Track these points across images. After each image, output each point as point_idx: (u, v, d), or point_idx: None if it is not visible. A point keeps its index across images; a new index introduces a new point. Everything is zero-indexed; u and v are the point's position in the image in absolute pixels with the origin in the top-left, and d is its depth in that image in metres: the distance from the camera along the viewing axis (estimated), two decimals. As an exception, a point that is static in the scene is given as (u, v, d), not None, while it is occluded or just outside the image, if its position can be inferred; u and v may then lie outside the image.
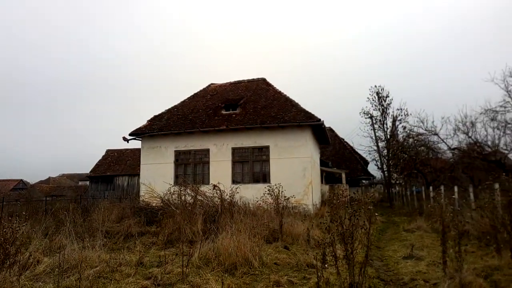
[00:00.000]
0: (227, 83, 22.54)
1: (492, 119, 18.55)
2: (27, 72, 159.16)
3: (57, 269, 5.68)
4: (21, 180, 58.45)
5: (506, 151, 18.96)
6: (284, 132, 16.61)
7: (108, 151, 36.27)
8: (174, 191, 11.96)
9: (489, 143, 19.13)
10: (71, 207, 12.05)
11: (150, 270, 6.10)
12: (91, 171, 34.70)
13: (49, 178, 66.94)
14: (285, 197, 10.10)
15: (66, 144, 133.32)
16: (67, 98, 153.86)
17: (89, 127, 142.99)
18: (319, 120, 16.22)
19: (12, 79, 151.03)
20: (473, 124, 19.51)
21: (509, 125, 17.97)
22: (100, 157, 35.91)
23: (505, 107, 17.85)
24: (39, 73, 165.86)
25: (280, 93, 19.54)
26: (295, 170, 16.02)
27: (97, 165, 34.79)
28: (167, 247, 8.24)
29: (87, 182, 39.64)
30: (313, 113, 16.65)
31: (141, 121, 19.72)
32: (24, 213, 5.90)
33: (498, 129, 18.51)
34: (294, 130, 16.51)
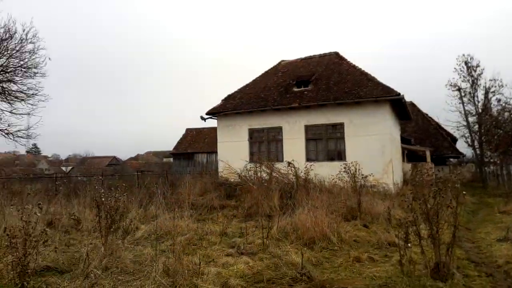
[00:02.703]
0: (297, 59, 22.15)
1: None
2: (109, 56, 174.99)
3: (153, 235, 6.36)
4: (114, 156, 65.44)
5: None
6: (360, 108, 15.97)
7: (187, 130, 38.54)
8: (250, 168, 12.39)
9: None
10: (160, 181, 13.19)
11: (233, 240, 6.51)
12: (173, 149, 37.38)
13: (138, 155, 73.81)
14: (362, 175, 9.84)
15: (151, 123, 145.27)
16: (149, 84, 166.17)
17: (171, 107, 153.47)
18: (399, 94, 15.24)
19: (96, 62, 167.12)
20: None
21: None
22: (181, 136, 38.42)
23: None
24: (127, 57, 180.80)
25: (354, 67, 18.68)
26: (372, 147, 15.40)
27: (179, 143, 37.31)
28: (247, 220, 8.65)
29: (171, 159, 42.79)
30: (391, 87, 15.71)
31: (218, 101, 20.51)
32: (123, 184, 6.63)
33: None
34: (371, 105, 15.77)
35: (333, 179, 11.66)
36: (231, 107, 19.34)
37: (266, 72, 21.87)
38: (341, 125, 16.41)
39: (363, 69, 18.19)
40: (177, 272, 4.35)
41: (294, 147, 17.32)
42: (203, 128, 35.98)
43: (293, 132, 17.60)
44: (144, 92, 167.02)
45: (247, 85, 21.13)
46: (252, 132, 18.88)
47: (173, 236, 6.10)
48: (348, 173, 10.46)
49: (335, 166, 13.53)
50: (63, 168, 61.65)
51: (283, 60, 22.68)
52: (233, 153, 18.35)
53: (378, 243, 6.25)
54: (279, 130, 18.13)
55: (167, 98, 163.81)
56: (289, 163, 11.35)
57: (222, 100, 20.59)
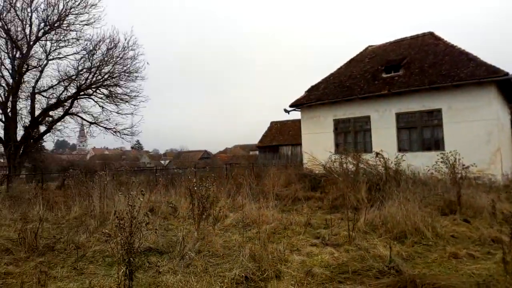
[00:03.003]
0: (386, 43, 20.79)
1: None
2: (199, 58, 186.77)
3: (240, 223, 6.68)
4: (206, 150, 69.96)
5: None
6: (460, 92, 14.39)
7: (272, 123, 39.23)
8: (335, 159, 12.11)
9: None
10: (246, 173, 13.76)
11: (318, 231, 6.48)
12: (259, 142, 38.44)
13: (226, 148, 77.73)
14: (463, 165, 8.89)
15: (237, 118, 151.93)
16: (232, 79, 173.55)
17: (255, 101, 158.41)
18: (507, 74, 13.34)
19: (185, 64, 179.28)
20: None
21: None
22: (265, 129, 39.29)
23: None
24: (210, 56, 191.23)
25: (452, 46, 16.83)
26: (476, 135, 13.78)
27: (264, 136, 38.23)
28: (332, 212, 8.52)
29: (257, 152, 44.11)
30: (498, 66, 13.81)
31: (301, 93, 20.42)
32: (213, 174, 7.09)
33: None
34: (473, 88, 14.09)
35: (428, 170, 10.78)
36: (314, 98, 19.09)
37: (352, 59, 21.03)
38: (438, 111, 15.02)
39: (462, 48, 16.33)
40: (263, 258, 4.51)
41: (383, 137, 16.42)
42: (287, 121, 36.20)
43: (383, 121, 16.67)
44: (230, 86, 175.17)
45: (331, 75, 20.61)
46: (337, 123, 18.39)
47: (258, 224, 6.31)
48: (446, 163, 9.53)
49: (432, 156, 12.42)
50: (162, 162, 68.08)
51: (370, 45, 21.54)
52: (317, 144, 18.14)
53: (480, 239, 5.60)
54: (366, 119, 17.35)
55: (252, 91, 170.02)
56: (377, 153, 10.80)
57: (306, 92, 20.43)
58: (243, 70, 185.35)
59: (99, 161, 56.55)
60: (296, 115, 21.43)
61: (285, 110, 20.32)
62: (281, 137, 36.51)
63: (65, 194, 10.79)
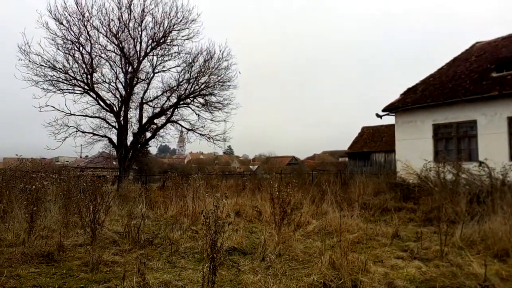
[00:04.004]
0: (497, 38, 18.44)
1: None
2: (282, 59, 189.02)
3: (322, 230, 6.61)
4: (293, 156, 70.33)
5: None
6: None
7: (363, 128, 37.60)
8: (430, 168, 11.17)
9: None
10: (332, 180, 13.48)
11: (406, 244, 6.09)
12: (348, 148, 37.15)
13: (314, 155, 77.10)
14: None
15: (326, 124, 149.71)
16: (319, 84, 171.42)
17: (344, 106, 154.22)
18: None
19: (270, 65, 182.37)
20: None
21: None
22: (356, 135, 37.81)
23: None
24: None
25: None
26: None
27: (354, 142, 36.81)
28: (425, 224, 7.89)
29: (346, 158, 42.73)
30: None
31: (395, 96, 19.22)
32: (294, 181, 7.16)
33: None
34: None
35: (548, 183, 9.25)
36: (411, 101, 17.79)
37: (455, 58, 19.12)
38: None
39: None
40: (342, 266, 4.42)
41: (492, 144, 14.50)
42: (381, 126, 34.31)
43: (492, 126, 14.76)
44: (320, 91, 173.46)
45: (431, 76, 19.02)
46: (437, 128, 16.83)
47: (340, 233, 6.18)
48: None
49: (553, 167, 10.63)
50: (251, 167, 70.37)
51: (477, 42, 19.35)
52: (413, 151, 16.85)
53: None
54: (472, 124, 15.53)
55: (342, 97, 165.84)
56: (481, 162, 9.67)
57: (401, 95, 19.17)
58: (335, 75, 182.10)
59: (195, 164, 61.05)
60: (390, 120, 20.24)
61: (377, 115, 19.32)
62: (373, 143, 34.76)
63: (164, 194, 11.95)
